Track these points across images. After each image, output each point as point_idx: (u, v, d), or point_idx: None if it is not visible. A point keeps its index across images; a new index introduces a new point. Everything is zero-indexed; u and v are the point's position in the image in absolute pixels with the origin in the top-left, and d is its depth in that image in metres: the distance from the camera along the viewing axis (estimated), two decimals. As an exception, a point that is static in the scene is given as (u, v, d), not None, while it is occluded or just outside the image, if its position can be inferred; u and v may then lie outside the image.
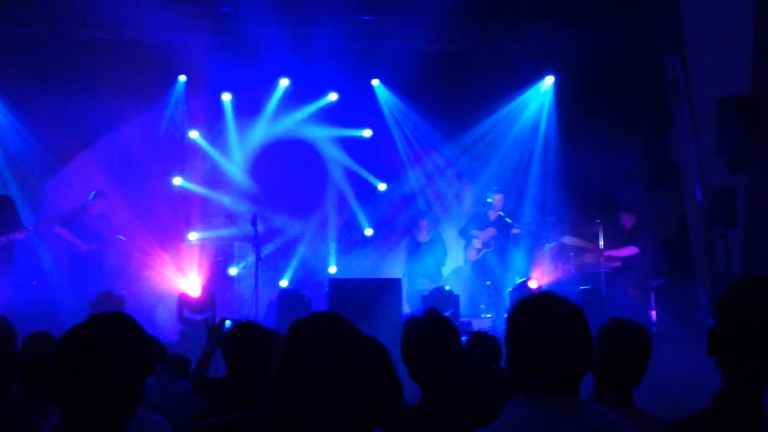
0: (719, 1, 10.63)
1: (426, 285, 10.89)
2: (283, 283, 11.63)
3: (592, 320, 2.44)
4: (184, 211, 11.87)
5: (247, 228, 10.49)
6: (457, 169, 12.93)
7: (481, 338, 4.89)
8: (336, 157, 12.62)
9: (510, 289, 10.53)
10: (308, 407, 2.02)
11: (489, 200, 11.42)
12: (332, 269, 12.22)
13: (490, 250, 11.24)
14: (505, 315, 9.16)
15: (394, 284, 9.65)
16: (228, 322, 4.56)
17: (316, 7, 11.49)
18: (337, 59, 11.89)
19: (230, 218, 11.21)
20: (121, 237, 10.62)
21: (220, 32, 11.52)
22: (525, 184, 12.46)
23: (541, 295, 2.50)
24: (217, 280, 11.10)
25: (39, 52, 11.13)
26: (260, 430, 2.19)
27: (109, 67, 10.97)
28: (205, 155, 12.17)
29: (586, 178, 11.46)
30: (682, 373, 6.83)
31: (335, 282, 9.97)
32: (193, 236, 11.69)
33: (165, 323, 10.06)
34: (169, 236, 11.36)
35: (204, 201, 12.09)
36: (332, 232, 12.57)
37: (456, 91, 12.09)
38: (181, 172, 11.96)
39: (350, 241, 12.68)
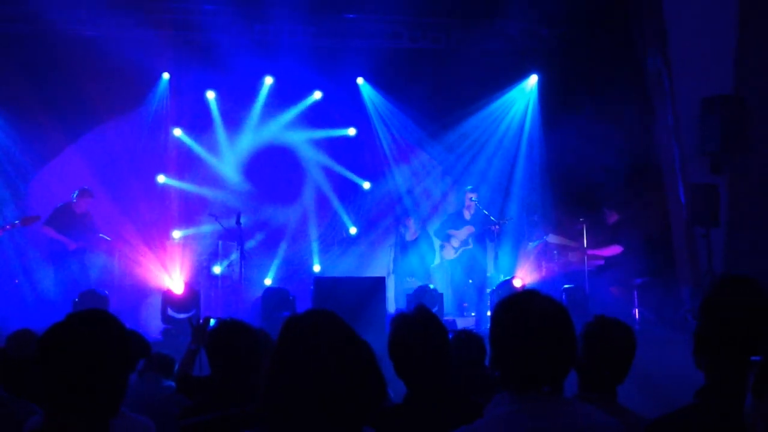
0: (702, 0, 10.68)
1: (413, 283, 10.91)
2: (268, 281, 11.62)
3: (576, 318, 2.45)
4: (168, 209, 11.85)
5: (231, 224, 10.49)
6: (442, 168, 12.95)
7: (466, 336, 4.89)
8: (320, 156, 12.61)
9: (494, 288, 10.55)
10: (304, 404, 2.01)
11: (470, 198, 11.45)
12: (317, 268, 12.21)
13: (469, 248, 11.26)
14: (489, 313, 9.19)
15: (378, 283, 9.66)
16: (212, 321, 4.54)
17: (300, 6, 11.47)
18: (321, 57, 11.89)
19: (214, 215, 11.21)
20: (105, 237, 10.58)
21: (204, 30, 11.48)
22: (510, 182, 12.50)
23: (526, 293, 2.50)
24: (201, 278, 11.07)
25: (23, 50, 11.06)
26: (242, 428, 2.18)
27: (93, 64, 10.91)
28: (189, 152, 12.14)
29: (570, 176, 11.50)
30: (664, 371, 6.86)
31: (320, 280, 9.97)
32: (176, 234, 11.65)
33: (149, 322, 10.02)
34: (153, 234, 11.32)
35: (188, 199, 12.05)
36: (316, 230, 12.58)
37: (440, 90, 12.10)
38: (165, 170, 11.92)
39: (335, 239, 12.68)
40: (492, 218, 10.99)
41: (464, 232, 11.27)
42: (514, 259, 11.50)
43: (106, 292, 9.53)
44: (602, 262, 10.63)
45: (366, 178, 12.73)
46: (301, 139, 12.51)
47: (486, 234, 11.12)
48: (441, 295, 10.42)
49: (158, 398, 4.42)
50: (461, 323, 10.06)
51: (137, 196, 11.50)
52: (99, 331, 2.27)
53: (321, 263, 12.32)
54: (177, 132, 12.06)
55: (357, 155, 12.71)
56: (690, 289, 10.49)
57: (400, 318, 3.21)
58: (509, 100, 12.69)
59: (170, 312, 9.70)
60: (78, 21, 11.26)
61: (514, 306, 2.43)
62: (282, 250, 12.15)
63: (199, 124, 12.21)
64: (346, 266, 12.24)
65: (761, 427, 1.82)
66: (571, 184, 11.62)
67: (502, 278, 10.70)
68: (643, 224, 10.70)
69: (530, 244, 11.38)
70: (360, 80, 12.52)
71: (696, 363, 2.39)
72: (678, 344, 7.48)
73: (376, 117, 12.66)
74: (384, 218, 12.65)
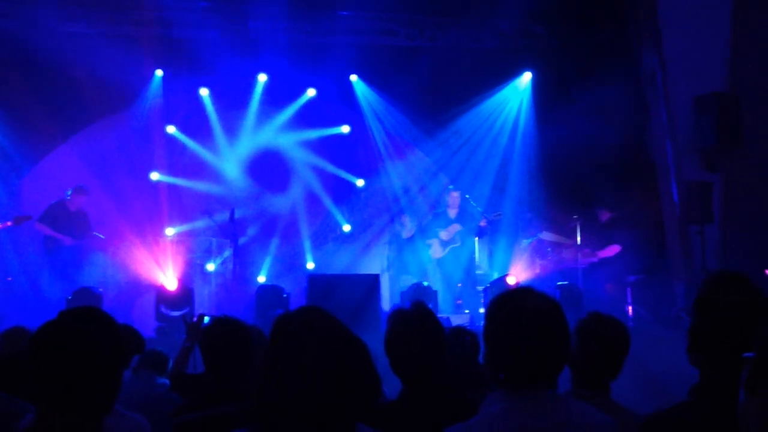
0: (696, -2, 10.70)
1: (409, 281, 10.90)
2: (261, 278, 11.61)
3: (570, 315, 2.45)
4: (162, 207, 11.82)
5: (224, 219, 10.50)
6: (436, 165, 12.94)
7: (461, 333, 4.89)
8: (313, 153, 12.59)
9: (487, 285, 10.56)
10: (295, 401, 2.01)
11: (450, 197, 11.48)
12: (310, 265, 12.19)
13: (456, 245, 11.26)
14: (482, 311, 9.19)
15: (373, 280, 9.65)
16: (206, 318, 4.52)
17: (294, 3, 11.46)
18: (315, 55, 11.86)
19: (207, 212, 11.17)
20: (99, 234, 10.55)
21: (197, 27, 11.45)
22: (504, 179, 12.50)
23: (519, 290, 2.50)
24: (195, 275, 11.05)
25: (16, 46, 11.01)
26: (235, 426, 2.17)
27: (86, 61, 10.87)
28: (183, 150, 12.12)
29: (564, 173, 11.50)
30: (658, 367, 6.88)
31: (313, 278, 9.95)
32: (170, 231, 11.63)
33: (142, 319, 9.99)
34: (147, 231, 11.29)
35: (181, 196, 12.04)
36: (310, 227, 12.56)
37: (434, 87, 12.07)
38: (159, 167, 11.90)
39: (328, 236, 12.66)
40: (479, 209, 10.99)
41: (452, 230, 11.28)
42: (508, 256, 11.51)
43: (101, 289, 9.51)
44: (596, 259, 10.64)
45: (360, 175, 12.72)
46: (294, 136, 12.49)
47: (474, 230, 11.12)
48: (436, 292, 10.42)
49: (152, 396, 4.40)
50: (455, 320, 10.06)
51: (130, 194, 11.46)
52: (91, 329, 2.26)
53: (315, 261, 12.31)
54: (170, 129, 12.03)
55: (351, 153, 12.69)
56: (684, 287, 10.51)
57: (397, 314, 3.21)
58: (503, 98, 12.68)
59: (164, 309, 9.66)
60: (70, 18, 11.21)
61: (507, 303, 2.43)
62: (275, 247, 12.13)
63: (193, 121, 12.18)
64: (340, 264, 12.23)
65: (754, 423, 1.83)
66: (564, 181, 11.63)
67: (495, 275, 10.70)
68: (637, 222, 10.71)
69: (524, 241, 11.38)
70: (354, 77, 12.50)
71: (690, 360, 2.40)
72: (672, 341, 7.50)
73: (370, 114, 12.64)
74: (378, 216, 12.64)
